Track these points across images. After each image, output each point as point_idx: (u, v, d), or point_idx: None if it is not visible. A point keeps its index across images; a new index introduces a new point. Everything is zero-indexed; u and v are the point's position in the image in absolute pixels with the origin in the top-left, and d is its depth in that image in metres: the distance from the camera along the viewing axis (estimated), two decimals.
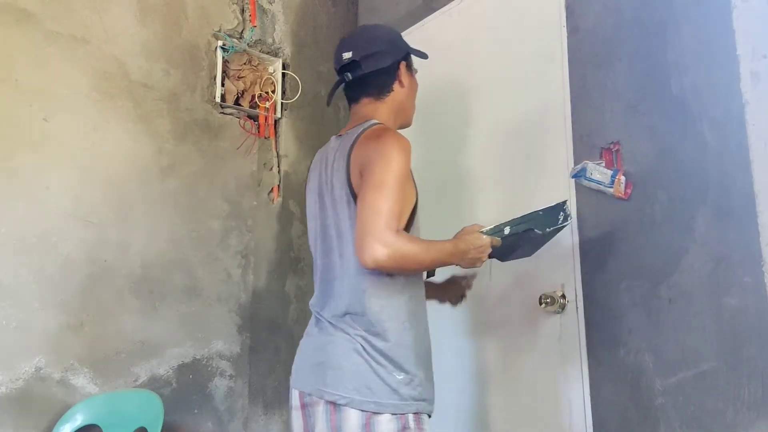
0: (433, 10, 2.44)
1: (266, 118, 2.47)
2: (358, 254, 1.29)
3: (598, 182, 1.68)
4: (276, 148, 2.50)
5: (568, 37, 1.90)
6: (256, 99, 2.46)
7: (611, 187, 1.67)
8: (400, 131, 1.52)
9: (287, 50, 2.60)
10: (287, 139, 2.54)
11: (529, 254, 1.67)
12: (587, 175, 1.69)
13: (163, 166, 2.19)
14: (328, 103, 1.70)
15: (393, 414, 1.31)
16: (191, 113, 2.29)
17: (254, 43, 2.50)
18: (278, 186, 2.48)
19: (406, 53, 1.59)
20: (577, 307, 1.76)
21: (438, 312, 2.20)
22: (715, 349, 1.45)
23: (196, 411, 2.14)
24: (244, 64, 2.47)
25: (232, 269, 2.31)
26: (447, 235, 1.48)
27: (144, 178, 2.15)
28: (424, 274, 1.58)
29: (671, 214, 1.58)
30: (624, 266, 1.66)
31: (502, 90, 2.11)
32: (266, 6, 2.56)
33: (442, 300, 1.84)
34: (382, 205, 1.29)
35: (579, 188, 1.79)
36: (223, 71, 2.39)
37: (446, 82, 2.35)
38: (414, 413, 1.35)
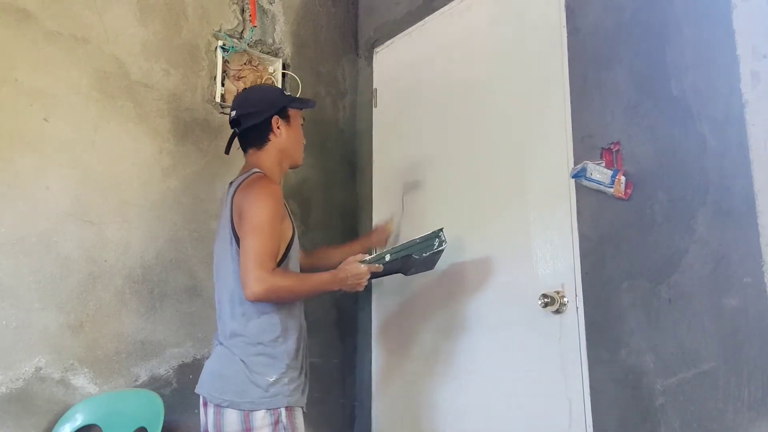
0: (433, 10, 2.44)
1: None
2: (243, 290, 1.57)
3: (598, 182, 1.68)
4: None
5: (568, 38, 1.90)
6: None
7: (611, 187, 1.67)
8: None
9: (287, 50, 2.60)
10: None
11: (430, 268, 1.99)
12: (587, 175, 1.69)
13: (163, 166, 2.19)
14: (227, 152, 1.91)
15: (267, 410, 1.59)
16: (192, 113, 2.29)
17: (254, 43, 2.50)
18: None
19: (281, 108, 1.84)
20: (577, 307, 1.76)
21: (438, 312, 2.21)
22: (715, 349, 1.45)
23: (196, 411, 2.13)
24: (245, 64, 2.47)
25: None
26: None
27: (144, 178, 2.15)
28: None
29: (671, 214, 1.58)
30: (624, 266, 1.66)
31: (502, 90, 2.11)
32: (266, 6, 2.56)
33: (370, 244, 2.27)
34: (257, 247, 1.57)
35: (579, 188, 1.79)
36: (224, 71, 2.39)
37: (446, 81, 2.35)
38: (286, 407, 1.61)
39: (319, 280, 1.71)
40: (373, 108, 2.70)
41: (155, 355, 2.08)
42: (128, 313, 2.04)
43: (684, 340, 1.51)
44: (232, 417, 1.58)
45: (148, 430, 1.89)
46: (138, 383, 2.03)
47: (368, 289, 2.55)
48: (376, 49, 2.75)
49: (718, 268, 1.47)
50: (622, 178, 1.66)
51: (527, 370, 1.87)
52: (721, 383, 1.43)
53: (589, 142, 1.79)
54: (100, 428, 1.88)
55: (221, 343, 1.71)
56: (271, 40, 2.56)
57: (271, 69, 2.54)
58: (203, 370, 1.73)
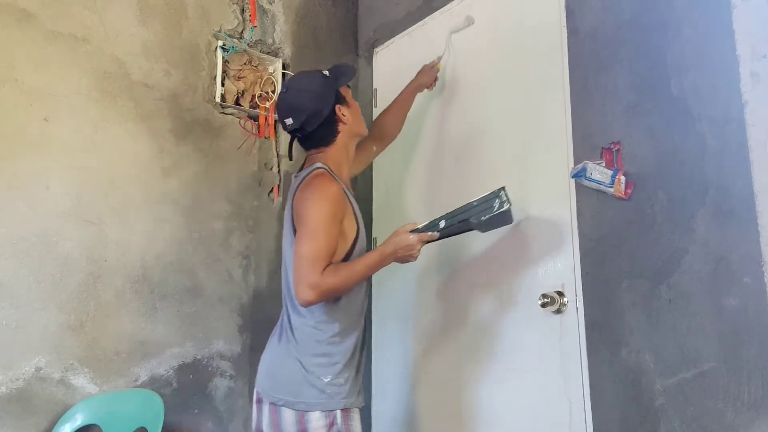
0: (433, 10, 2.45)
1: (266, 118, 2.47)
2: (295, 298, 1.56)
3: (599, 182, 1.68)
4: (276, 148, 2.50)
5: (568, 38, 1.90)
6: (257, 99, 2.46)
7: (611, 187, 1.67)
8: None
9: (287, 50, 2.60)
10: (287, 139, 2.53)
11: (508, 223, 1.83)
12: (587, 175, 1.69)
13: (164, 166, 2.19)
14: (290, 158, 1.88)
15: (322, 411, 1.55)
16: (192, 113, 2.29)
17: (254, 43, 2.50)
18: (279, 186, 2.48)
19: (336, 94, 1.73)
20: (577, 307, 1.76)
21: (438, 312, 2.21)
22: (715, 349, 1.45)
23: (196, 411, 2.14)
24: (245, 64, 2.47)
25: (233, 270, 2.31)
26: None
27: (145, 178, 2.15)
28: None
29: (671, 214, 1.58)
30: (624, 266, 1.66)
31: (502, 90, 2.12)
32: (266, 6, 2.57)
33: (419, 89, 2.23)
34: (309, 252, 1.52)
35: (579, 188, 1.79)
36: (224, 71, 2.39)
37: (446, 82, 2.35)
38: (342, 409, 1.57)
39: (369, 263, 1.61)
40: (373, 108, 2.70)
41: (155, 355, 2.08)
42: (128, 313, 2.05)
43: (684, 340, 1.51)
44: (289, 416, 1.55)
45: (148, 430, 1.89)
46: (138, 383, 2.03)
47: (369, 287, 2.54)
48: (376, 49, 2.75)
49: (718, 268, 1.47)
50: (622, 178, 1.66)
51: (527, 370, 1.87)
52: (721, 383, 1.43)
53: (589, 142, 1.79)
54: (100, 428, 1.88)
55: (281, 337, 1.66)
56: (271, 40, 2.56)
57: (271, 69, 2.54)
58: (261, 365, 1.69)
